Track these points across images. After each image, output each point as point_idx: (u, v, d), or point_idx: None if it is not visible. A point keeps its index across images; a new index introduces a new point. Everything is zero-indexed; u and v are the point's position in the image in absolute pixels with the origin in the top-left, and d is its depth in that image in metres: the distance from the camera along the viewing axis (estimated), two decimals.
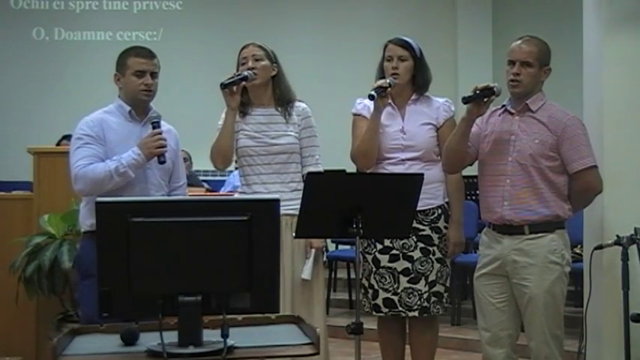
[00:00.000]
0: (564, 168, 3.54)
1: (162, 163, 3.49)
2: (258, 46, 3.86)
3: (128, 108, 3.57)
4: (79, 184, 3.47)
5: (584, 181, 3.55)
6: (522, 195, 3.52)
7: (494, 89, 3.47)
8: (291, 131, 3.83)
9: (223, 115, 3.82)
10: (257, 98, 3.85)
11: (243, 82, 3.71)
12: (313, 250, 3.79)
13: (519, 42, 3.59)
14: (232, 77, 3.69)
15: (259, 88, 3.82)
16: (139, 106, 3.57)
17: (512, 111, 3.61)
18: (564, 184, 3.56)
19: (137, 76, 3.53)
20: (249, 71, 3.74)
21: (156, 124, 3.51)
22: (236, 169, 7.12)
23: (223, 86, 3.65)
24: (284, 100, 3.85)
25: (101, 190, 3.42)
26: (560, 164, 3.53)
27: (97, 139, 3.49)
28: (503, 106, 3.66)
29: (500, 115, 3.65)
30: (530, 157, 3.51)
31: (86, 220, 3.53)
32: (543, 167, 3.51)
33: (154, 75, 3.56)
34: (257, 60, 3.80)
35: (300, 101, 3.91)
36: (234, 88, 3.68)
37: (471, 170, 3.86)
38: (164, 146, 3.47)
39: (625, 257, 3.56)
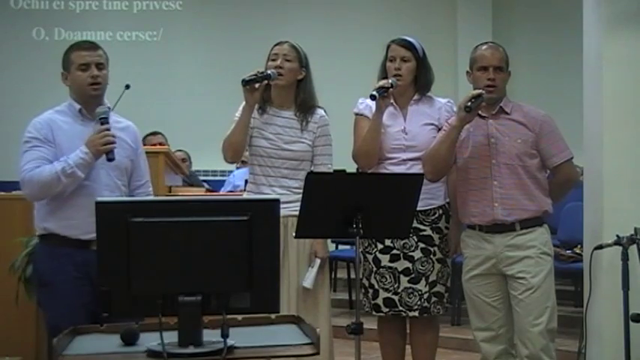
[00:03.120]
0: (543, 164, 3.67)
1: (110, 160, 3.33)
2: (292, 46, 3.82)
3: (78, 107, 3.42)
4: (26, 189, 3.33)
5: (565, 174, 3.71)
6: (512, 195, 3.60)
7: (483, 96, 3.58)
8: (306, 138, 3.81)
9: (241, 107, 3.80)
10: (278, 99, 3.83)
11: (265, 81, 3.67)
12: (318, 260, 3.79)
13: (486, 48, 3.73)
14: (255, 75, 3.64)
15: (282, 89, 3.79)
16: (90, 103, 3.40)
17: (484, 115, 3.68)
18: (545, 180, 3.70)
19: (82, 70, 3.37)
20: (273, 71, 3.70)
21: (103, 120, 3.34)
22: (237, 168, 7.19)
23: (244, 82, 3.61)
24: (305, 107, 3.82)
25: (51, 193, 3.30)
26: (539, 160, 3.66)
27: (44, 141, 3.34)
28: None
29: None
30: (517, 156, 3.62)
31: (40, 224, 3.41)
32: (528, 165, 3.63)
33: (99, 66, 3.39)
34: (287, 60, 3.77)
35: (319, 107, 3.88)
36: (256, 85, 3.64)
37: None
38: (111, 142, 3.31)
39: (625, 257, 3.57)
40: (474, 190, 3.66)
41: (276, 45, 3.83)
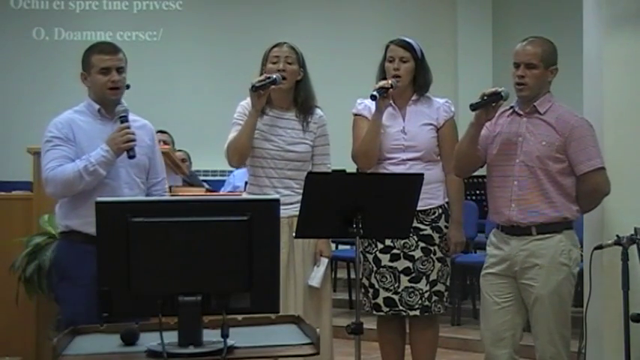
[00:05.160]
0: (572, 169, 3.55)
1: (131, 157, 3.39)
2: (291, 47, 3.82)
3: (97, 106, 3.48)
4: (49, 187, 3.40)
5: (592, 183, 3.56)
6: (529, 197, 3.53)
7: (502, 94, 3.48)
8: (307, 139, 3.82)
9: (239, 109, 3.81)
10: (278, 100, 3.82)
11: (273, 85, 3.67)
12: (326, 260, 3.80)
13: (524, 43, 3.59)
14: (263, 80, 3.64)
15: (283, 91, 3.79)
16: (109, 104, 3.48)
17: (521, 112, 3.61)
18: (572, 186, 3.57)
19: (103, 74, 3.43)
20: (278, 75, 3.69)
21: (123, 119, 3.42)
22: (237, 168, 7.17)
23: (255, 88, 3.61)
24: (306, 107, 3.82)
25: (73, 191, 3.36)
26: (567, 166, 3.54)
27: (66, 140, 3.40)
28: (512, 107, 3.65)
29: (508, 117, 3.64)
30: (537, 158, 3.52)
31: (61, 221, 3.48)
32: (550, 169, 3.52)
33: (120, 70, 3.46)
34: (289, 63, 3.77)
35: (317, 107, 3.89)
36: (262, 91, 3.64)
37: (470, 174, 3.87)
38: (132, 140, 3.38)
39: (625, 257, 3.56)
40: (497, 187, 3.61)
41: (274, 47, 3.82)
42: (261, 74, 3.75)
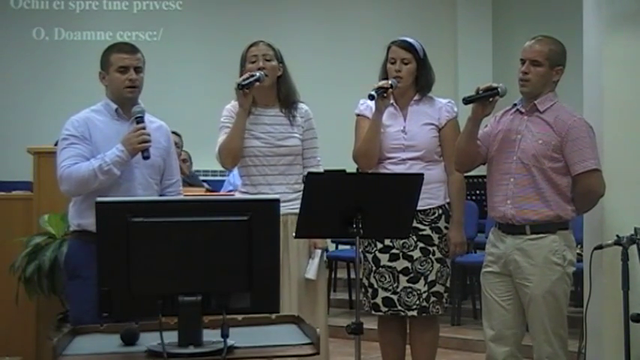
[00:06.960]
0: (568, 170, 3.55)
1: (145, 158, 3.41)
2: (267, 44, 3.83)
3: (115, 106, 3.50)
4: (64, 185, 3.43)
5: (586, 184, 3.56)
6: (525, 194, 3.53)
7: (499, 90, 3.48)
8: (296, 133, 3.83)
9: (226, 113, 3.83)
10: (262, 98, 3.83)
11: (258, 83, 3.68)
12: (319, 251, 3.81)
13: (533, 41, 3.60)
14: (248, 78, 3.66)
15: (266, 88, 3.79)
16: (126, 104, 3.50)
17: (523, 110, 3.62)
18: (567, 186, 3.56)
19: (120, 72, 3.46)
20: (262, 72, 3.71)
21: (139, 119, 3.44)
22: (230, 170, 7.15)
23: (240, 87, 3.63)
24: (289, 101, 3.84)
25: (87, 189, 3.38)
26: (563, 165, 3.54)
27: (82, 138, 3.43)
28: (515, 104, 3.66)
29: (511, 114, 3.66)
30: (533, 157, 3.53)
31: (73, 220, 3.50)
32: (546, 168, 3.53)
33: (137, 70, 3.49)
34: (267, 60, 3.78)
35: (301, 102, 3.91)
36: (247, 89, 3.65)
37: (472, 170, 3.87)
38: (147, 141, 3.40)
39: (625, 257, 3.56)
40: (495, 184, 3.63)
41: (251, 46, 3.84)
42: (241, 75, 3.77)
